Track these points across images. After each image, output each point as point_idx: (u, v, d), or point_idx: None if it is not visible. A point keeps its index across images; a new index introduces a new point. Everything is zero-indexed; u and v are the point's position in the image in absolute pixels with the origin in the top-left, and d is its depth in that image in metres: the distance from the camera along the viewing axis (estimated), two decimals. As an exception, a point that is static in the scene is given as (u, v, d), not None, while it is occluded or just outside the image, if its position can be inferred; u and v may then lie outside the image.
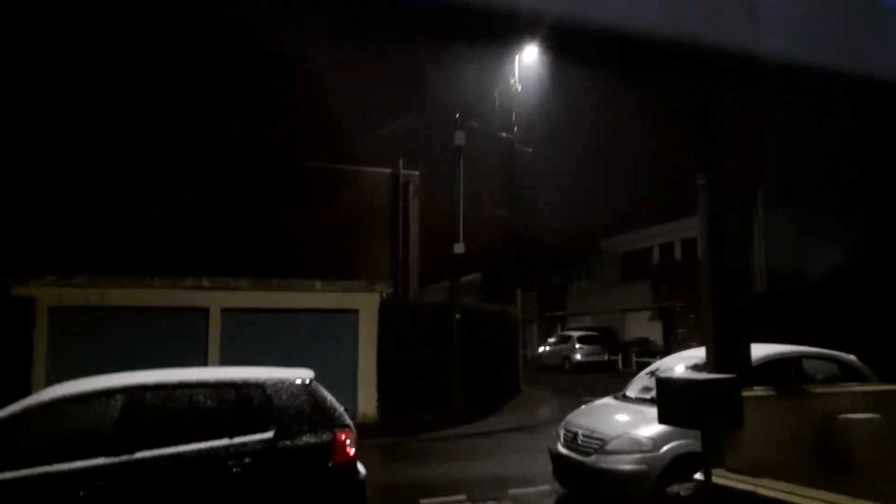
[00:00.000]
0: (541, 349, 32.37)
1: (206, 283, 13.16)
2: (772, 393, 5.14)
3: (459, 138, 15.59)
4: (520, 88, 17.86)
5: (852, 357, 7.51)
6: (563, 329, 35.85)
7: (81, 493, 4.73)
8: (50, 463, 4.78)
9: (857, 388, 5.66)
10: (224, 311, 13.12)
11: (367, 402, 13.67)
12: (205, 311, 13.04)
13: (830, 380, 7.07)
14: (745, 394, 4.53)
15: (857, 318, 12.60)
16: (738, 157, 6.31)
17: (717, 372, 5.43)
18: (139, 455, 4.95)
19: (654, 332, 29.90)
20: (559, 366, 28.84)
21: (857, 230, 15.90)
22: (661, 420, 4.48)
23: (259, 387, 5.50)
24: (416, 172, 18.83)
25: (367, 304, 14.07)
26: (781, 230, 19.78)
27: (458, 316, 14.34)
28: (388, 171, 18.75)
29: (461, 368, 14.22)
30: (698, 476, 4.50)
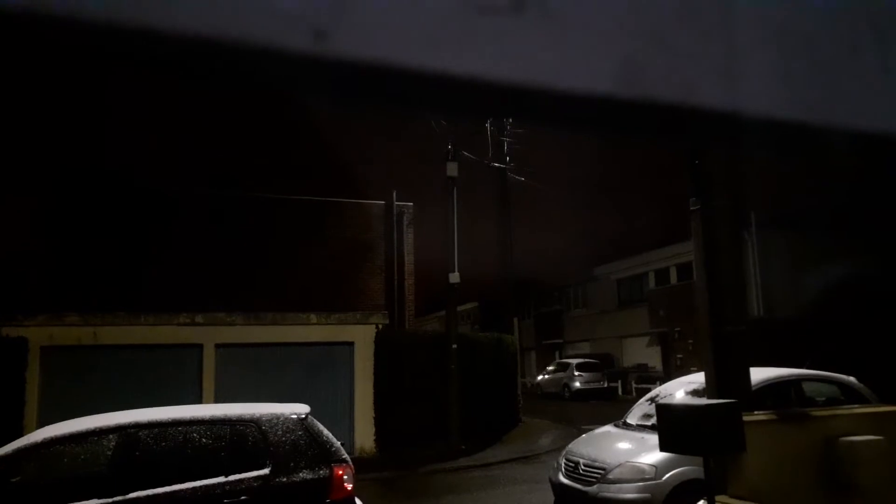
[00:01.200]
0: (540, 377, 32.18)
1: (199, 318, 13.10)
2: (773, 417, 5.13)
3: (452, 169, 15.62)
4: (511, 119, 18.16)
5: (852, 378, 7.51)
6: (561, 357, 35.69)
7: (74, 536, 4.66)
8: (42, 506, 4.73)
9: (857, 409, 5.65)
10: (218, 346, 13.05)
11: (365, 435, 13.53)
12: (199, 348, 12.96)
13: (831, 402, 7.06)
14: (746, 418, 4.52)
15: (855, 339, 12.60)
16: (730, 182, 6.38)
17: (717, 397, 5.41)
18: (133, 495, 4.89)
19: (653, 358, 29.80)
20: (558, 394, 28.66)
21: (850, 250, 15.98)
22: (663, 447, 4.45)
23: (254, 423, 5.46)
24: (411, 203, 18.88)
25: (362, 336, 14.01)
26: (776, 253, 19.86)
27: (455, 346, 14.26)
28: (383, 202, 18.76)
29: (459, 399, 14.11)
30: (702, 503, 4.46)
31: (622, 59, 0.77)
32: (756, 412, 5.14)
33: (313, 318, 13.88)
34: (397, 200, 18.70)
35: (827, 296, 15.52)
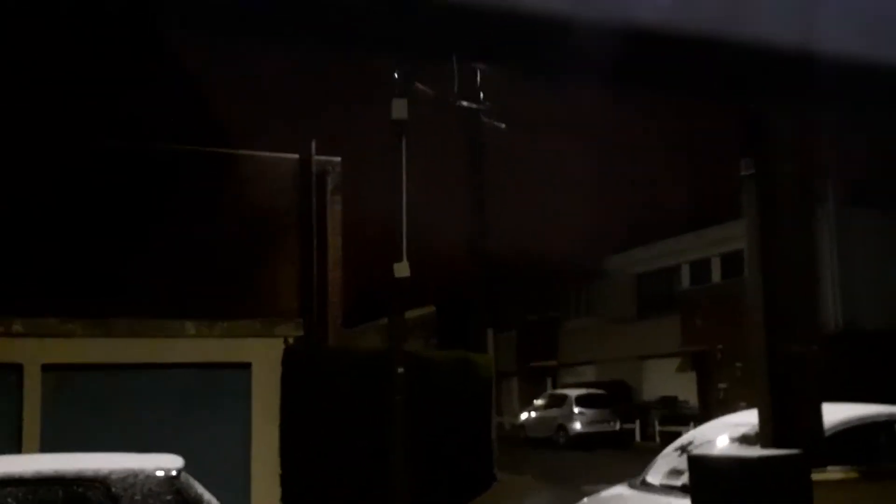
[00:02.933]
0: (523, 416, 32.48)
1: (17, 326, 12.86)
2: (854, 475, 5.25)
3: (399, 109, 15.32)
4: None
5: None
6: (555, 386, 36.00)
7: None
8: None
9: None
10: (46, 367, 12.85)
11: (267, 497, 13.48)
12: (17, 369, 12.75)
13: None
14: (815, 477, 4.62)
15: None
16: (799, 137, 6.46)
17: (775, 446, 5.50)
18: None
19: (686, 389, 30.29)
20: (550, 439, 29.02)
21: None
22: (697, 518, 4.52)
23: (100, 483, 5.40)
24: (338, 159, 18.55)
25: (264, 355, 13.90)
26: (861, 240, 20.19)
27: (401, 370, 14.23)
28: (296, 157, 18.28)
29: (406, 447, 14.08)
30: None
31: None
32: (830, 468, 5.24)
33: (190, 327, 13.71)
34: (317, 154, 18.28)
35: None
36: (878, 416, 7.41)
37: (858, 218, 20.41)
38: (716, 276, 30.72)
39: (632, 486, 8.07)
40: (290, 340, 14.18)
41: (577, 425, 28.53)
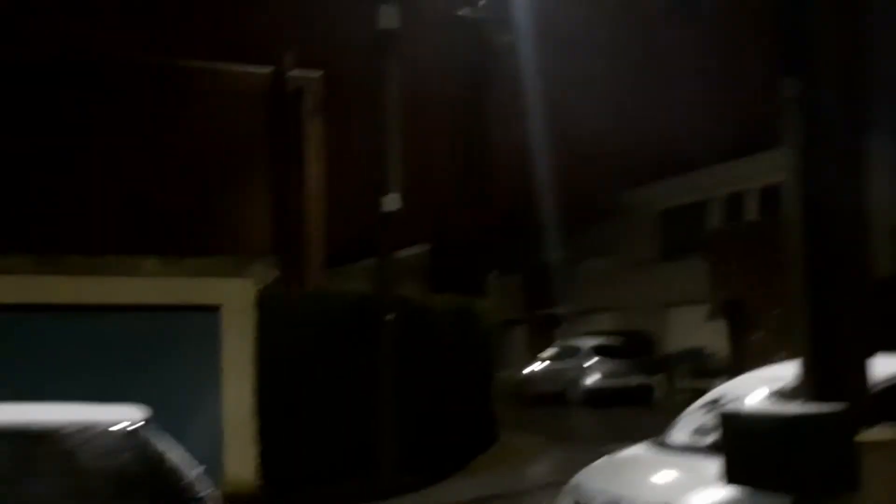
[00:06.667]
0: (530, 369, 32.63)
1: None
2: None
3: (388, 17, 15.22)
4: None
5: None
6: (566, 336, 36.06)
7: None
8: None
9: None
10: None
11: (240, 459, 13.54)
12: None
13: None
14: (863, 437, 4.64)
15: None
16: (851, 52, 6.37)
17: (817, 401, 5.52)
18: None
19: (715, 339, 30.28)
20: (561, 395, 29.15)
21: None
22: (730, 479, 4.57)
23: (49, 437, 5.40)
24: (317, 74, 18.34)
25: (236, 297, 13.91)
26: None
27: (390, 317, 14.26)
28: (270, 70, 18.00)
29: (397, 404, 14.17)
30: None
31: None
32: (879, 426, 5.25)
33: (151, 264, 13.67)
34: (293, 68, 18.00)
35: None
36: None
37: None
38: (751, 213, 30.61)
39: (654, 446, 8.11)
40: (265, 281, 14.22)
41: (593, 379, 28.62)
